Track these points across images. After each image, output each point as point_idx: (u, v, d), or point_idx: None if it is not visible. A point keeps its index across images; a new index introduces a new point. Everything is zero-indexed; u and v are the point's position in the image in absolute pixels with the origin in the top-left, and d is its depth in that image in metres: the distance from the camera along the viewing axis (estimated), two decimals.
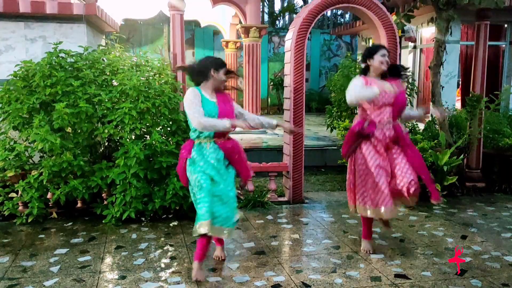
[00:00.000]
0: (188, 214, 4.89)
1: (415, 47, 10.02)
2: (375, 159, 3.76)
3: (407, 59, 10.13)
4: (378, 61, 3.74)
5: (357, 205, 3.92)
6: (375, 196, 3.76)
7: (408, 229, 4.70)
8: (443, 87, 6.41)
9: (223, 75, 3.44)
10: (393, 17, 6.09)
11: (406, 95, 3.93)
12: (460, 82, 9.95)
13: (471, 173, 6.39)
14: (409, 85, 8.59)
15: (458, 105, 9.54)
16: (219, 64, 3.44)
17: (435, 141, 6.23)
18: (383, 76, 3.84)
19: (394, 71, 3.90)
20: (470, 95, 6.30)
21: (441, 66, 6.22)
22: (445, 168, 5.66)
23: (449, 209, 5.45)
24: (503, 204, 5.68)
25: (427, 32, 9.71)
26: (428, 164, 5.72)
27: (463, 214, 5.24)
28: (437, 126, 6.52)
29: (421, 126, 7.82)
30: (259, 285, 3.40)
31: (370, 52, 3.78)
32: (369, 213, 3.83)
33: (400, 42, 6.14)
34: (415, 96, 9.26)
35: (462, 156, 6.04)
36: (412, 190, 3.74)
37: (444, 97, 6.95)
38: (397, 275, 3.57)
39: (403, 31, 7.96)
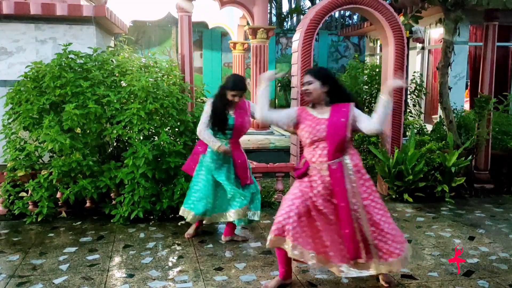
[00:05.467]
0: None
1: (423, 48, 9.98)
2: (301, 194, 3.16)
3: (415, 60, 10.10)
4: (303, 91, 3.17)
5: None
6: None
7: (415, 230, 4.70)
8: (451, 88, 6.40)
9: (230, 95, 3.93)
10: (401, 18, 6.09)
11: (349, 122, 3.03)
12: (469, 83, 9.89)
13: (479, 174, 6.37)
14: (417, 87, 8.59)
15: (466, 106, 9.49)
16: (229, 86, 3.94)
17: (443, 142, 6.22)
18: (334, 99, 3.11)
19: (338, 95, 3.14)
20: (479, 96, 6.28)
21: (449, 67, 6.21)
22: (453, 169, 5.64)
23: (457, 210, 5.43)
24: (511, 206, 5.65)
25: (435, 33, 9.67)
26: (436, 165, 5.72)
27: (471, 215, 5.22)
28: (445, 127, 6.50)
29: (429, 127, 7.80)
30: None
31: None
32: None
33: (408, 43, 6.13)
34: (423, 97, 9.24)
35: (470, 157, 6.02)
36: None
37: (453, 98, 6.92)
38: (404, 276, 3.57)
39: (411, 32, 7.92)
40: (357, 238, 3.07)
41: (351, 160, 3.09)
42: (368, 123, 3.04)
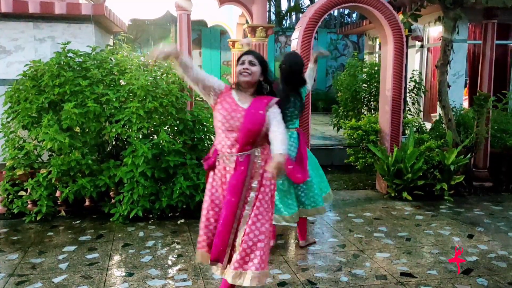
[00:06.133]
0: (194, 213, 4.92)
1: (422, 46, 9.98)
2: (211, 194, 2.93)
3: (414, 58, 10.10)
4: (238, 71, 2.82)
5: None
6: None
7: (414, 228, 4.70)
8: (450, 86, 6.40)
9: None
10: (400, 17, 6.09)
11: (267, 116, 2.76)
12: (468, 81, 9.90)
13: (478, 172, 6.37)
14: (416, 85, 8.59)
15: (465, 104, 9.50)
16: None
17: (442, 140, 6.22)
18: (260, 92, 2.86)
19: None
20: (478, 94, 6.28)
21: (448, 65, 6.21)
22: (452, 167, 5.64)
23: (456, 208, 5.44)
24: (510, 204, 5.66)
25: (435, 31, 9.67)
26: (435, 163, 5.72)
27: (470, 214, 5.23)
28: (444, 126, 6.51)
29: (428, 126, 7.80)
30: (265, 283, 3.41)
31: (237, 60, 2.90)
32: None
33: (407, 42, 6.13)
34: (422, 95, 9.24)
35: (469, 156, 6.02)
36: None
37: (452, 96, 6.93)
38: (403, 274, 3.58)
39: (410, 30, 7.93)
40: (228, 241, 2.79)
41: (261, 154, 2.84)
42: (273, 134, 2.71)
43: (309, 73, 4.33)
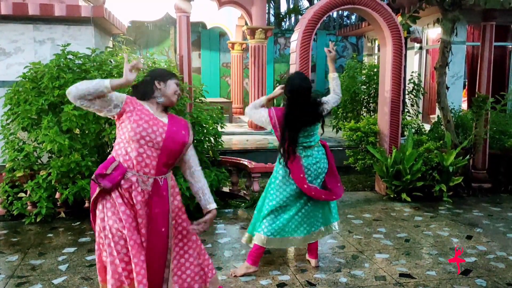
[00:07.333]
0: (194, 214, 4.92)
1: (421, 48, 10.00)
2: (125, 220, 2.41)
3: (413, 60, 10.12)
4: (172, 90, 2.57)
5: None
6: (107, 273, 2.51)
7: (413, 229, 4.71)
8: (449, 87, 6.43)
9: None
10: (399, 18, 6.11)
11: (189, 139, 2.59)
12: (466, 83, 9.92)
13: (477, 173, 6.39)
14: (415, 86, 8.61)
15: (464, 106, 9.52)
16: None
17: (441, 141, 6.24)
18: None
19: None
20: (476, 96, 6.30)
21: (447, 67, 6.23)
22: (450, 168, 5.66)
23: (455, 209, 5.45)
24: (509, 205, 5.68)
25: (433, 33, 9.69)
26: (434, 164, 5.74)
27: (468, 215, 5.24)
28: (443, 127, 6.53)
29: (427, 127, 7.82)
30: (265, 284, 3.43)
31: (162, 75, 2.60)
32: None
33: (405, 43, 6.15)
34: (421, 97, 9.27)
35: (468, 157, 6.04)
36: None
37: (450, 98, 6.95)
38: (402, 275, 3.59)
39: (408, 32, 7.95)
40: (164, 275, 2.55)
41: (171, 180, 2.60)
42: (199, 181, 2.67)
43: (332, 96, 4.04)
